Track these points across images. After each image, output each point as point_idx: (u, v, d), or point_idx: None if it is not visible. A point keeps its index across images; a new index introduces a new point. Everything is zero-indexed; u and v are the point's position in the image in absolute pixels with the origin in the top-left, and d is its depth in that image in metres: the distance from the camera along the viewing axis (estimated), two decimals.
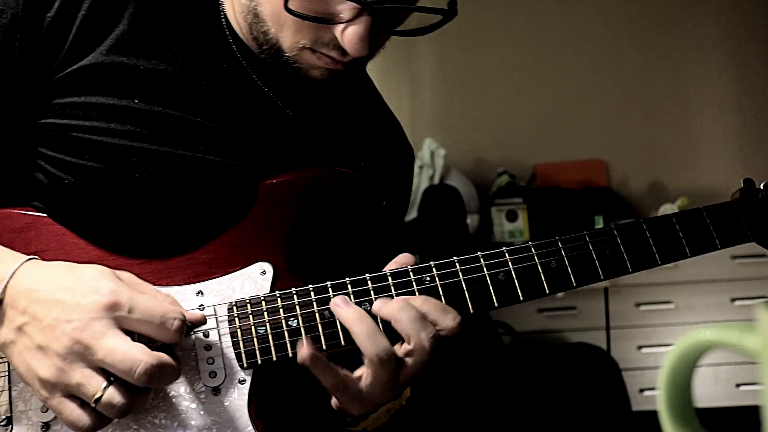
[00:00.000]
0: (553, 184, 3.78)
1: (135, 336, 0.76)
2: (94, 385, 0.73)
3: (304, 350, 0.78)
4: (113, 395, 0.73)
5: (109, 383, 0.73)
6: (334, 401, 0.85)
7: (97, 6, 0.88)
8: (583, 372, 2.96)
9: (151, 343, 0.76)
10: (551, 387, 2.86)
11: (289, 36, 0.86)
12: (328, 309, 0.84)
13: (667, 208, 3.57)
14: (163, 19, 0.91)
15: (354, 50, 0.83)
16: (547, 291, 0.87)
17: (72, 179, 0.86)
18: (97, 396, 0.73)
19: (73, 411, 0.74)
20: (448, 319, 0.83)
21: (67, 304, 0.74)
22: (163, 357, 0.74)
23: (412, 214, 3.39)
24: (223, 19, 0.94)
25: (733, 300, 3.28)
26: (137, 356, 0.72)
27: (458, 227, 3.30)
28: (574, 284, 0.87)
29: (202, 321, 0.82)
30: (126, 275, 0.80)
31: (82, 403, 0.74)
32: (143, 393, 0.76)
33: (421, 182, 3.50)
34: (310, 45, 0.86)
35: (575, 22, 3.90)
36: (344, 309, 0.82)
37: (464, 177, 3.64)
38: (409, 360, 0.82)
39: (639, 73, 3.88)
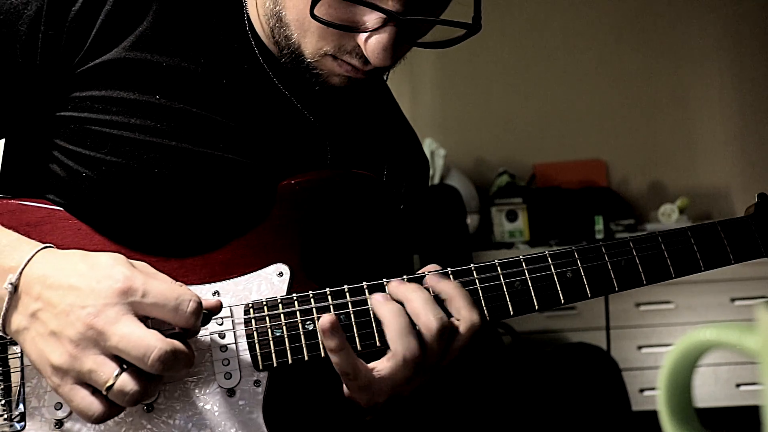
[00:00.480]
0: (553, 184, 3.78)
1: (149, 323, 0.75)
2: (107, 372, 0.71)
3: (326, 316, 0.79)
4: (126, 383, 0.71)
5: (122, 370, 0.72)
6: (345, 389, 0.85)
7: (121, 2, 0.89)
8: (583, 372, 2.96)
9: (166, 331, 0.75)
10: (551, 387, 2.86)
11: (312, 42, 0.86)
12: (345, 313, 0.83)
13: (667, 208, 3.57)
14: (186, 18, 0.91)
15: (377, 60, 0.83)
16: (563, 301, 0.88)
17: (90, 173, 0.86)
18: (109, 383, 0.71)
19: (84, 398, 0.73)
20: (474, 313, 0.82)
21: (81, 290, 0.73)
22: (177, 344, 0.73)
23: None
24: (246, 21, 0.94)
25: (733, 300, 3.28)
26: (151, 342, 0.71)
27: (458, 227, 3.30)
28: (590, 295, 0.88)
29: (218, 307, 0.80)
30: (140, 263, 0.79)
31: (94, 391, 0.73)
32: (156, 381, 0.75)
33: None
34: (333, 52, 0.86)
35: (575, 22, 3.89)
36: (383, 305, 0.82)
37: (464, 177, 3.64)
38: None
39: (639, 73, 3.88)
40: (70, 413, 0.80)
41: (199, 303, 0.75)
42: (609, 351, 3.27)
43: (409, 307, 0.81)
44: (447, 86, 3.93)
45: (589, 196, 3.66)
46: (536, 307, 0.87)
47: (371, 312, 0.83)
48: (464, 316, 0.82)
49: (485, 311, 0.86)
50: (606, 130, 3.88)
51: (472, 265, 0.87)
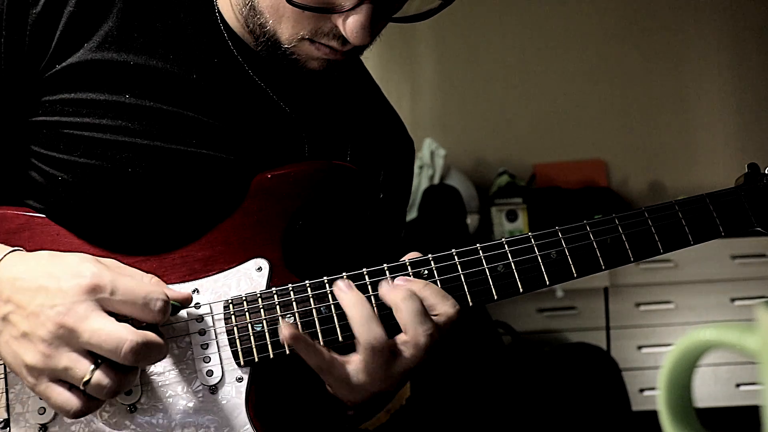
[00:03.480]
0: (553, 184, 3.77)
1: (119, 318, 0.75)
2: (82, 368, 0.72)
3: (285, 330, 0.79)
4: (102, 377, 0.72)
5: (97, 365, 0.72)
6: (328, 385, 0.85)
7: (84, 1, 0.88)
8: (583, 372, 2.96)
9: (137, 323, 0.76)
10: (551, 387, 2.86)
11: (287, 27, 0.86)
12: (325, 305, 0.83)
13: None
14: (152, 14, 0.91)
15: (356, 39, 0.83)
16: (548, 282, 0.86)
17: (65, 176, 0.86)
18: (85, 378, 0.72)
19: (61, 394, 0.73)
20: (447, 306, 0.82)
21: (49, 290, 0.73)
22: (149, 335, 0.74)
23: (412, 214, 3.39)
24: (217, 14, 0.94)
25: (733, 300, 3.28)
26: (122, 335, 0.72)
27: (458, 227, 3.30)
28: (575, 275, 0.86)
29: (188, 299, 0.81)
30: (110, 261, 0.79)
31: (71, 387, 0.74)
32: (132, 372, 0.75)
33: (421, 182, 3.50)
34: (310, 35, 0.86)
35: (575, 22, 3.89)
36: (345, 293, 0.82)
37: (464, 177, 3.64)
38: (404, 351, 0.81)
39: (639, 73, 3.87)
40: (54, 418, 0.80)
41: (167, 300, 0.76)
42: (609, 351, 3.27)
43: (398, 317, 0.81)
44: (447, 86, 3.92)
45: (589, 196, 3.66)
46: (521, 290, 0.85)
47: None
48: (441, 311, 0.82)
49: (468, 297, 0.85)
50: (606, 130, 3.88)
51: (453, 250, 0.86)
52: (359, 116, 1.04)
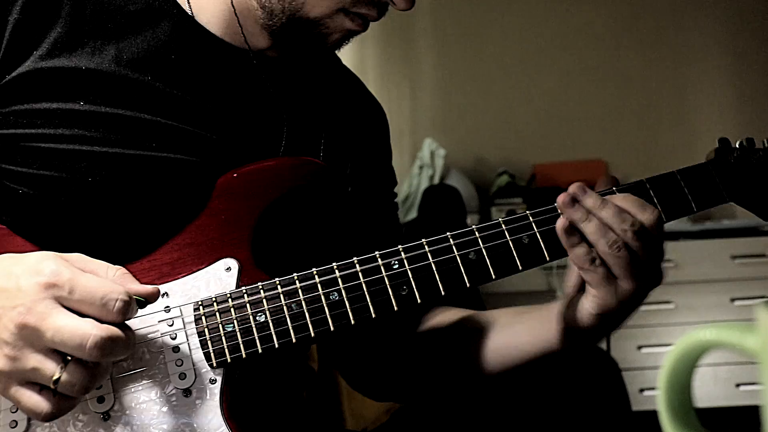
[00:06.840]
0: (553, 184, 3.77)
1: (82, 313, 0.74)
2: (50, 367, 0.71)
3: (561, 221, 0.81)
4: (72, 373, 0.71)
5: (66, 362, 0.71)
6: (590, 294, 0.84)
7: (29, 8, 0.86)
8: (583, 372, 2.96)
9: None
10: (551, 387, 2.85)
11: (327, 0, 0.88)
12: (296, 301, 0.83)
13: None
14: (103, 15, 0.89)
15: (405, 4, 0.87)
16: (520, 268, 0.86)
17: (25, 189, 0.85)
18: (55, 377, 0.70)
19: (31, 398, 0.72)
20: (647, 213, 0.82)
21: (9, 291, 0.72)
22: (112, 329, 0.72)
23: (412, 214, 3.39)
24: (177, 8, 0.92)
25: (733, 300, 3.27)
26: (86, 330, 0.70)
27: (458, 227, 3.29)
28: (548, 258, 0.87)
29: (154, 294, 0.78)
30: (75, 256, 0.77)
31: (41, 389, 0.72)
32: (102, 367, 0.74)
33: (421, 182, 3.50)
34: (348, 6, 0.88)
35: (575, 22, 3.89)
36: (571, 211, 0.83)
37: (464, 177, 3.63)
38: (630, 244, 0.81)
39: (639, 73, 3.87)
40: (26, 430, 0.79)
41: (127, 301, 0.73)
42: (609, 351, 3.26)
43: (603, 221, 0.82)
44: (447, 86, 3.92)
45: None
46: (493, 276, 0.86)
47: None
48: (641, 218, 0.82)
49: (440, 286, 0.85)
50: (606, 130, 3.88)
51: (423, 240, 0.86)
52: (333, 103, 1.03)
